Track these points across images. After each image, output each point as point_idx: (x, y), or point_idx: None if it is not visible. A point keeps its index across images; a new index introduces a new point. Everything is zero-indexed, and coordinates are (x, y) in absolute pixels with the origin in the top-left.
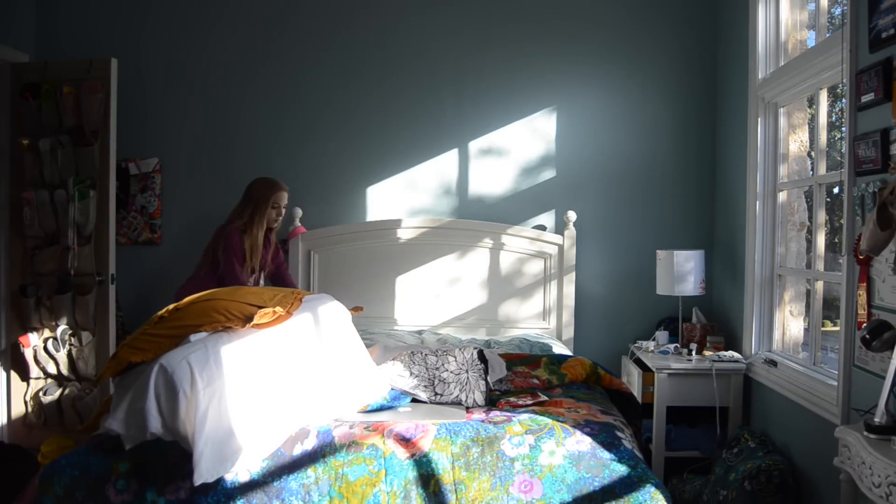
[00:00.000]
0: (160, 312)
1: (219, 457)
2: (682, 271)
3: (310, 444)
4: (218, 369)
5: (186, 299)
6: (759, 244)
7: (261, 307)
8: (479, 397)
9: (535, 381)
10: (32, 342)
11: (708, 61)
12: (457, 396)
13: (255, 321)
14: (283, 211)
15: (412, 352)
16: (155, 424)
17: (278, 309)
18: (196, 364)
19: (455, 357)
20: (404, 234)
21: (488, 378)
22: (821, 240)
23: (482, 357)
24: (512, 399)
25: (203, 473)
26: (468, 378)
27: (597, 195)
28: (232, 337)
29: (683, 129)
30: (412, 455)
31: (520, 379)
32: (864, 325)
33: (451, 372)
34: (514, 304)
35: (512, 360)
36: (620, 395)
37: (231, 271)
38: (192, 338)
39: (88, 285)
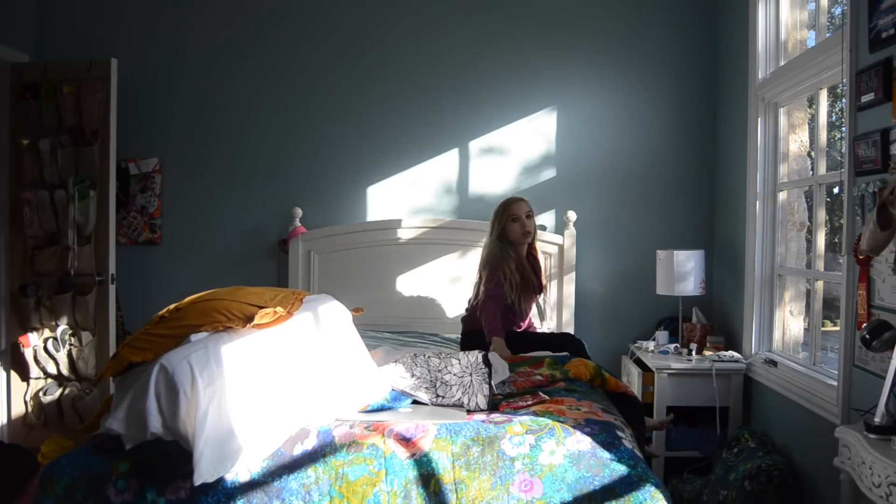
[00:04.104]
0: (161, 312)
1: (219, 457)
2: (682, 271)
3: (310, 443)
4: (218, 369)
5: (187, 299)
6: (759, 244)
7: (261, 307)
8: (483, 401)
9: (539, 377)
10: (32, 342)
11: (708, 61)
12: (458, 399)
13: (256, 321)
14: (526, 221)
15: (415, 354)
16: (155, 424)
17: (279, 309)
18: (197, 364)
19: (459, 360)
20: (405, 234)
21: (492, 382)
22: (821, 240)
23: (486, 361)
24: (513, 401)
25: (203, 473)
26: (471, 381)
27: (597, 195)
28: (233, 337)
29: (683, 129)
30: (412, 455)
31: (522, 379)
32: (864, 325)
33: (454, 374)
34: None
35: (515, 361)
36: (624, 398)
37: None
38: (193, 338)
39: (88, 285)
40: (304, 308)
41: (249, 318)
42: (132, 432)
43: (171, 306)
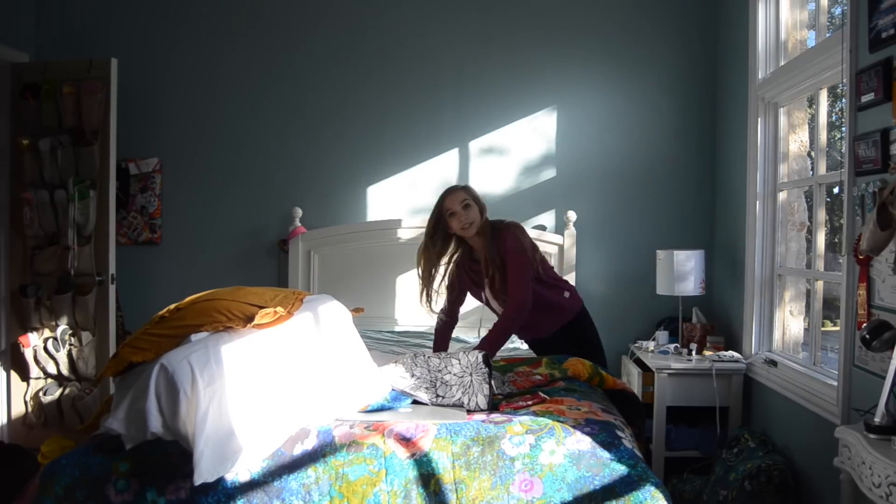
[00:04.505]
0: (161, 312)
1: (219, 457)
2: (682, 271)
3: (310, 443)
4: (219, 369)
5: (188, 299)
6: (759, 244)
7: (262, 307)
8: (483, 401)
9: (538, 377)
10: (32, 342)
11: (708, 61)
12: (459, 399)
13: (256, 321)
14: (461, 212)
15: (414, 353)
16: (155, 424)
17: (279, 309)
18: (197, 364)
19: (459, 360)
20: (404, 234)
21: (492, 382)
22: (821, 240)
23: (486, 361)
24: (513, 401)
25: (203, 473)
26: (472, 381)
27: (597, 195)
28: (233, 337)
29: (683, 129)
30: (412, 455)
31: (521, 379)
32: (864, 325)
33: (454, 374)
34: None
35: (513, 362)
36: (623, 396)
37: None
38: (193, 338)
39: (88, 285)
40: (304, 308)
41: (250, 318)
42: (132, 432)
43: (172, 306)
